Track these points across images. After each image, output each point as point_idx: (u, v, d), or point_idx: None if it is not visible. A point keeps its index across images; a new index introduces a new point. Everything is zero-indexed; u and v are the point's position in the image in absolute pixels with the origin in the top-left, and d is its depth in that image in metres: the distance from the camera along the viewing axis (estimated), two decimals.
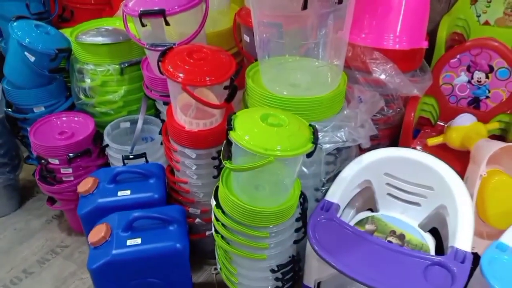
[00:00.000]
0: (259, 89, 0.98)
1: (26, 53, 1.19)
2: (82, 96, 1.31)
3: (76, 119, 1.27)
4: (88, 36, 1.24)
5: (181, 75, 0.95)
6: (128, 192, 1.07)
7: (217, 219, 0.91)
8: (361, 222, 1.00)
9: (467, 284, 0.83)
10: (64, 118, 1.27)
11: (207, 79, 0.95)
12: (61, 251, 1.31)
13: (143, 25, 1.09)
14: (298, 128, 0.82)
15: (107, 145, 1.22)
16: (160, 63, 0.98)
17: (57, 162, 1.19)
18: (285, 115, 0.85)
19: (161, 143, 1.22)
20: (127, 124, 1.30)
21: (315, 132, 0.82)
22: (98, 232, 0.94)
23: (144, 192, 1.08)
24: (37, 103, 1.29)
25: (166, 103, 1.20)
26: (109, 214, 1.02)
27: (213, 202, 0.91)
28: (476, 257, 0.83)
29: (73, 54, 1.29)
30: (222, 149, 0.85)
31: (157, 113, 1.31)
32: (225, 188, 0.88)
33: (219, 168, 1.09)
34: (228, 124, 0.81)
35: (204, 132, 1.03)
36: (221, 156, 0.84)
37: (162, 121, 1.27)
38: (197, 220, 1.16)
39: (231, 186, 0.89)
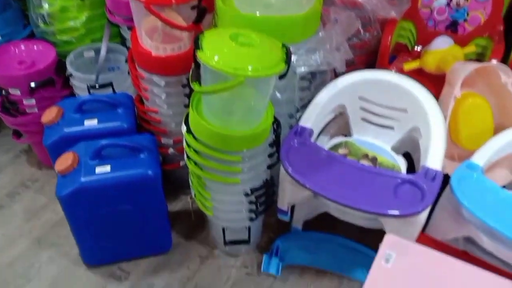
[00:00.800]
0: (230, 10, 0.92)
1: None
2: (41, 24, 1.22)
3: (35, 48, 1.19)
4: None
5: None
6: (95, 121, 1.03)
7: (188, 145, 0.88)
8: (335, 147, 0.99)
9: (436, 203, 0.86)
10: (22, 47, 1.19)
11: None
12: (31, 184, 1.28)
13: None
14: (270, 48, 0.78)
15: (70, 75, 1.15)
16: None
17: (18, 92, 1.13)
18: (256, 35, 0.80)
19: (128, 73, 1.16)
20: (91, 53, 1.23)
21: (288, 53, 0.78)
22: (65, 160, 0.91)
23: (112, 121, 1.04)
24: None
25: (131, 28, 1.13)
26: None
27: (184, 128, 0.88)
28: (446, 178, 0.85)
29: None
30: (190, 72, 0.81)
31: (123, 41, 1.23)
32: (195, 113, 0.85)
33: (190, 96, 1.05)
34: (195, 44, 0.76)
35: (172, 58, 0.97)
36: (189, 79, 0.80)
37: (128, 48, 1.20)
38: (171, 150, 1.14)
39: (202, 111, 0.86)
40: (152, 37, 0.98)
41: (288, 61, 0.76)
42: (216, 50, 0.75)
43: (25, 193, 1.25)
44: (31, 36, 1.27)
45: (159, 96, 1.04)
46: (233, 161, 0.86)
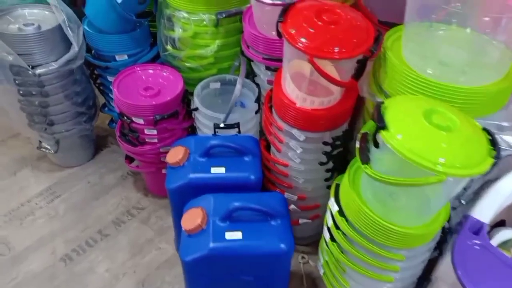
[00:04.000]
0: (398, 63, 0.77)
1: None
2: (169, 47, 1.15)
3: (163, 73, 1.12)
4: None
5: (303, 40, 0.76)
6: (223, 169, 0.93)
7: (336, 226, 0.75)
8: (505, 244, 0.80)
9: None
10: (150, 71, 1.12)
11: (343, 50, 0.75)
12: (137, 213, 1.22)
13: None
14: (472, 134, 0.62)
15: (196, 109, 1.06)
16: (280, 24, 0.78)
17: (141, 122, 1.06)
18: (454, 114, 0.64)
19: (256, 112, 1.06)
20: (217, 85, 1.13)
21: (493, 142, 0.61)
22: (194, 218, 0.81)
23: (239, 171, 0.93)
24: (121, 51, 1.14)
25: (269, 68, 1.02)
26: (200, 193, 0.89)
27: (334, 207, 0.74)
28: None
29: None
30: (358, 145, 0.67)
31: (252, 75, 1.13)
32: (352, 191, 0.71)
33: (330, 154, 0.92)
34: (378, 120, 0.62)
35: (319, 112, 0.85)
36: (358, 157, 0.66)
37: (257, 85, 1.09)
38: (292, 206, 1.02)
39: (359, 187, 0.73)
40: (298, 84, 0.86)
41: (497, 155, 0.60)
42: (405, 131, 0.61)
43: (131, 222, 1.19)
44: (156, 57, 1.21)
45: (294, 149, 0.92)
46: (392, 258, 0.71)
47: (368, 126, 0.70)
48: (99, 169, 1.34)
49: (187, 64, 1.15)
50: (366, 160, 0.65)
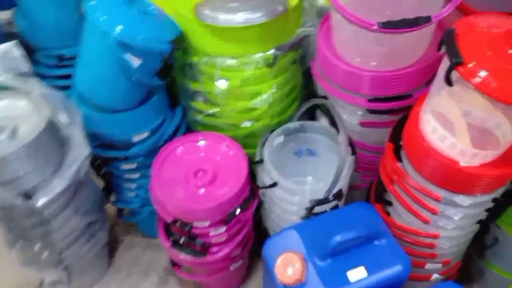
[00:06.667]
0: None
1: (127, 55, 0.67)
2: (200, 106, 0.83)
3: (224, 148, 0.79)
4: (214, 10, 0.71)
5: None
6: (363, 271, 0.66)
7: None
8: None
9: None
10: (198, 144, 0.79)
11: None
12: None
13: None
14: None
15: (274, 184, 0.76)
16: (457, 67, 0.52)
17: (206, 224, 0.75)
18: None
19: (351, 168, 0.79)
20: (281, 139, 0.84)
21: None
22: None
23: (384, 265, 0.67)
24: (139, 129, 0.79)
25: (375, 112, 0.75)
26: None
27: None
28: None
29: (188, 42, 0.77)
30: None
31: (312, 114, 0.84)
32: None
33: (492, 210, 0.69)
34: None
35: (493, 170, 0.62)
36: None
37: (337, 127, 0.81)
38: (435, 276, 0.79)
39: None
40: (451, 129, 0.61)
41: None
42: None
43: None
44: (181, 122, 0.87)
45: (449, 218, 0.68)
46: None
47: None
48: (125, 280, 0.99)
49: (231, 121, 0.83)
50: None
